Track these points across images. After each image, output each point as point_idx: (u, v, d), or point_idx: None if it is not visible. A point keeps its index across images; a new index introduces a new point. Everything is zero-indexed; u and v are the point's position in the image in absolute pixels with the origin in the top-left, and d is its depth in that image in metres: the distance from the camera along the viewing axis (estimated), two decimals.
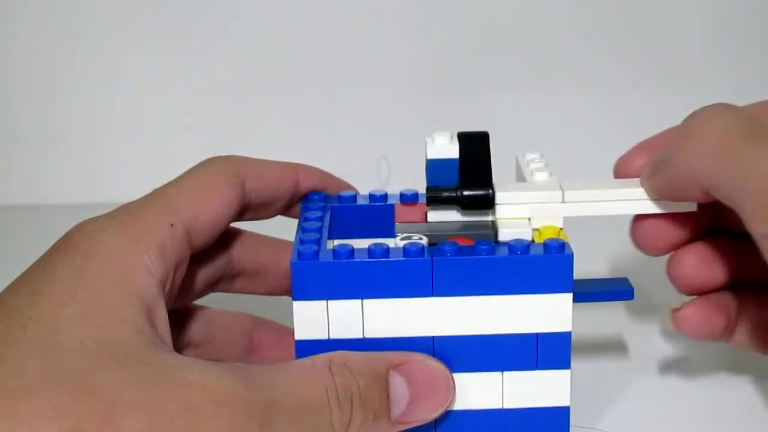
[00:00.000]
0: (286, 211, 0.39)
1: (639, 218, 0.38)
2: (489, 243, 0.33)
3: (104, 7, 0.63)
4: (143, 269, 0.32)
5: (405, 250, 0.33)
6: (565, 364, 0.34)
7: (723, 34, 0.64)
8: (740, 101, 0.65)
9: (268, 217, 0.39)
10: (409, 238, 0.35)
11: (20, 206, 0.64)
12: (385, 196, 0.38)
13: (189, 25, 0.64)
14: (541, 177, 0.37)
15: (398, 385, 0.33)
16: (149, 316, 0.31)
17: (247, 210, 0.37)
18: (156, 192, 0.35)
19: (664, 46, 0.64)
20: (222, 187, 0.36)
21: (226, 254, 0.39)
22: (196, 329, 0.39)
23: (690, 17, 0.64)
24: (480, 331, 0.34)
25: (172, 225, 0.34)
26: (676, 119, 0.68)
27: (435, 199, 0.36)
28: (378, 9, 0.63)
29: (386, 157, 0.61)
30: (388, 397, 0.33)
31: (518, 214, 0.36)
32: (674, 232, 0.38)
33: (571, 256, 0.33)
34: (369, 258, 0.33)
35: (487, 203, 0.36)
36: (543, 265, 0.33)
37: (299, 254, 0.33)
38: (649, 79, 0.65)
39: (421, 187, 0.37)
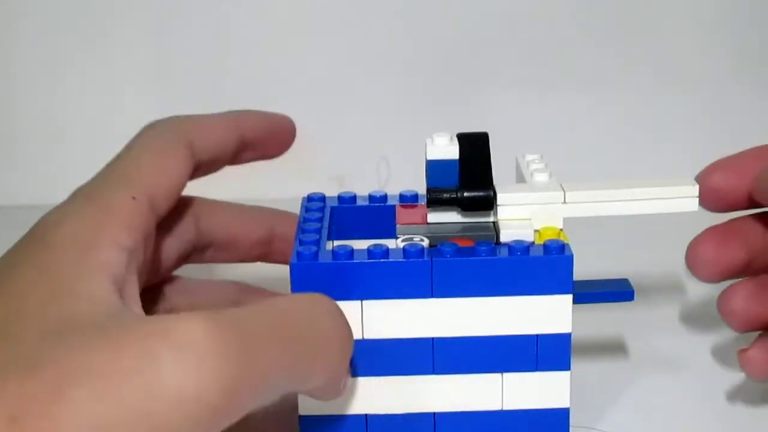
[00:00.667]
0: (232, 161, 0.39)
1: (696, 244, 0.38)
2: (489, 244, 0.33)
3: (105, 8, 0.63)
4: (110, 244, 0.31)
5: (405, 251, 0.33)
6: (565, 366, 0.34)
7: (725, 34, 0.64)
8: (742, 101, 0.65)
9: (217, 170, 0.39)
10: (410, 239, 0.35)
11: (20, 206, 0.63)
12: (384, 197, 0.38)
13: (188, 27, 0.64)
14: (541, 178, 0.37)
15: None
16: (117, 288, 0.30)
17: (197, 169, 0.37)
18: (110, 167, 0.35)
19: (666, 46, 0.64)
20: (174, 152, 0.36)
21: (195, 226, 0.38)
22: (178, 300, 0.39)
23: (692, 16, 0.64)
24: (480, 332, 0.34)
25: (134, 198, 0.33)
26: (676, 119, 0.68)
27: (436, 201, 0.36)
28: (377, 8, 0.63)
29: (386, 158, 0.61)
30: None
31: (519, 215, 0.36)
32: (731, 258, 0.38)
33: (571, 258, 0.33)
34: (368, 259, 0.33)
35: (488, 204, 0.36)
36: (543, 267, 0.33)
37: (298, 255, 0.33)
38: (651, 78, 0.65)
39: (421, 188, 0.37)
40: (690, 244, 0.39)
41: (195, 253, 0.39)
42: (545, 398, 0.34)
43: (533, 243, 0.34)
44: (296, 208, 0.38)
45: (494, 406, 0.34)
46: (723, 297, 0.38)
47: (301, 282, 0.33)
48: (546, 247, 0.33)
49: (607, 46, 0.64)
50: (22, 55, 0.64)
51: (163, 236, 0.37)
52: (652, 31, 0.64)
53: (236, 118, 0.39)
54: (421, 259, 0.33)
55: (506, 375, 0.34)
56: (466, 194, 0.35)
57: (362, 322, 0.33)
